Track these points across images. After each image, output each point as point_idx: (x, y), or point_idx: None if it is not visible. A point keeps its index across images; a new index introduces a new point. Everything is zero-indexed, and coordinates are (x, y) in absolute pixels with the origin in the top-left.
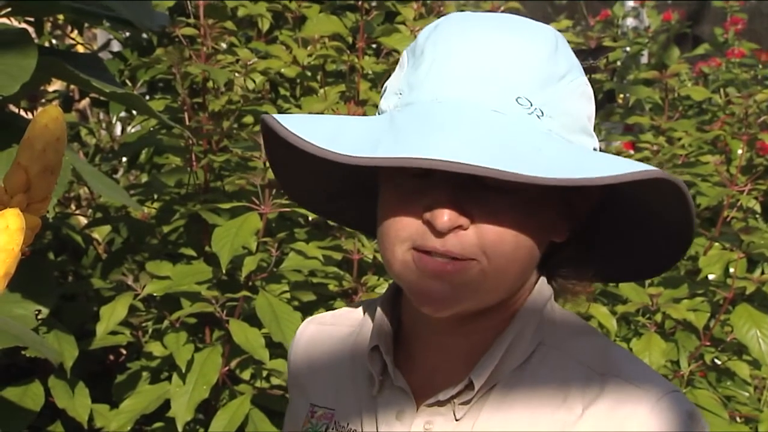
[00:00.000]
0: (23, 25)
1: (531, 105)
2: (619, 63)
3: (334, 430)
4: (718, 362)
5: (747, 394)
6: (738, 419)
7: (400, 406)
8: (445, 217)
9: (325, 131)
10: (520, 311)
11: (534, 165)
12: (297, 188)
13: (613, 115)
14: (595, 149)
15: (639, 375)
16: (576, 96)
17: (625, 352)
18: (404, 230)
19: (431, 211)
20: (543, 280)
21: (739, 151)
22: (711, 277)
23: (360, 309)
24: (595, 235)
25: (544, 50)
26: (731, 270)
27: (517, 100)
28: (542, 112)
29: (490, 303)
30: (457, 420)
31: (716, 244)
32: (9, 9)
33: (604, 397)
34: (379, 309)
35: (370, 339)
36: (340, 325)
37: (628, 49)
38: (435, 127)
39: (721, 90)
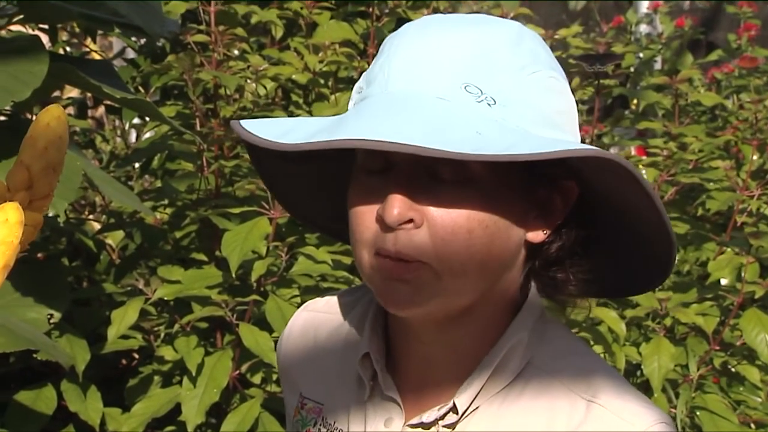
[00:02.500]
0: (37, 33)
1: (481, 93)
2: (632, 69)
3: (322, 425)
4: (732, 368)
5: (759, 399)
6: (752, 425)
7: (390, 414)
8: (395, 210)
9: (280, 129)
10: (509, 329)
11: (459, 145)
12: (301, 208)
13: (623, 120)
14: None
15: (624, 405)
16: (540, 88)
17: (613, 376)
18: (366, 232)
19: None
20: (534, 294)
21: (754, 157)
22: (724, 281)
23: (354, 297)
24: (582, 242)
25: (500, 41)
26: (744, 275)
27: (465, 87)
28: (494, 101)
29: (460, 304)
30: None
31: (728, 249)
32: (22, 16)
33: (588, 426)
34: (372, 313)
35: (362, 344)
36: (334, 314)
37: (641, 54)
38: (372, 115)
39: (734, 96)
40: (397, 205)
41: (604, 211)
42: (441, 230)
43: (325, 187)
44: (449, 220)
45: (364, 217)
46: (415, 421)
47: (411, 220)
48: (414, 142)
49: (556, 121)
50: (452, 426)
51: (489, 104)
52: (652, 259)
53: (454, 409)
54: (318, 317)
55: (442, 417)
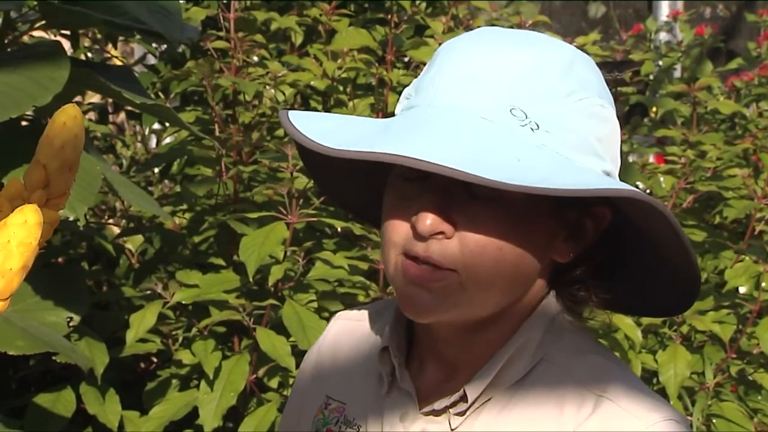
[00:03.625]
0: (59, 39)
1: (526, 117)
2: (651, 77)
3: (343, 424)
4: (749, 376)
5: None
6: None
7: (405, 408)
8: (427, 221)
9: (325, 127)
10: (522, 326)
11: (498, 171)
12: (338, 192)
13: (641, 128)
14: (607, 173)
15: (633, 400)
16: (584, 115)
17: (625, 374)
18: (396, 234)
19: (417, 214)
20: (551, 296)
21: None
22: (741, 290)
23: (385, 305)
24: (607, 265)
25: (551, 65)
26: (763, 284)
27: (510, 110)
28: (537, 126)
29: (481, 315)
30: (452, 430)
31: (745, 257)
32: (44, 22)
33: (595, 419)
34: (395, 312)
35: (382, 339)
36: (365, 321)
37: (660, 62)
38: (416, 129)
39: (754, 104)
40: (431, 217)
41: (634, 238)
42: (472, 244)
43: (362, 172)
44: (479, 235)
45: (397, 220)
46: (427, 409)
47: (442, 232)
48: (453, 164)
49: (595, 147)
50: (462, 413)
51: (532, 129)
52: (674, 289)
53: (464, 397)
54: (350, 325)
55: (453, 405)
